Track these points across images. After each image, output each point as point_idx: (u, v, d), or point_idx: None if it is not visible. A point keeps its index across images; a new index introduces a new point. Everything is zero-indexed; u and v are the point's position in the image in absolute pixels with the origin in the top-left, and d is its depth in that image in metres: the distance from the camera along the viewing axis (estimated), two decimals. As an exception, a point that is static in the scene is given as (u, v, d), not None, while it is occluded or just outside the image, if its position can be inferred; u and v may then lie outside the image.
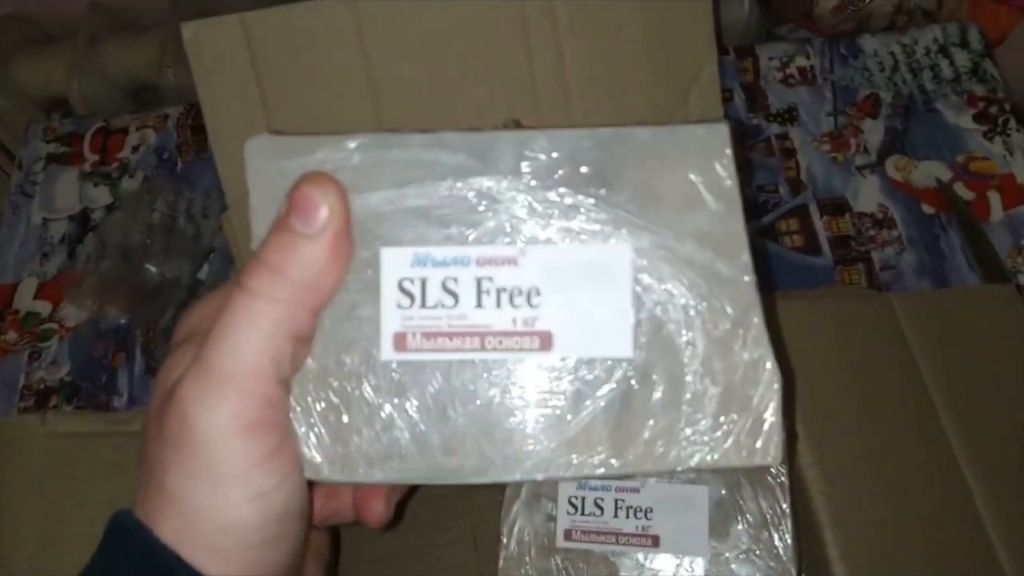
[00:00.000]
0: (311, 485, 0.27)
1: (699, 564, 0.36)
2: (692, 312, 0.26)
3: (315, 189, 0.25)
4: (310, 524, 0.28)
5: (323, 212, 0.25)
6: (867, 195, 0.57)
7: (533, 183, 0.26)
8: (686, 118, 0.42)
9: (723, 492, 0.37)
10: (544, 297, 0.26)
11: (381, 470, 0.26)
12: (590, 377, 0.26)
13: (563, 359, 0.26)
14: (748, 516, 0.37)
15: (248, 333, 0.24)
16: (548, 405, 0.26)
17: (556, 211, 0.26)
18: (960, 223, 0.56)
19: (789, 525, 0.37)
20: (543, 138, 0.26)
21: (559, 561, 0.37)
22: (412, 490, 0.31)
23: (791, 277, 0.55)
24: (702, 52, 0.42)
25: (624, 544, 0.37)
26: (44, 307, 0.60)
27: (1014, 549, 0.38)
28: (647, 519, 0.37)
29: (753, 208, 0.58)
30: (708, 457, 0.26)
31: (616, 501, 0.38)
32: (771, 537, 0.37)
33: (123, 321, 0.58)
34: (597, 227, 0.26)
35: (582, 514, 0.38)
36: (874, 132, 0.59)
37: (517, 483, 0.39)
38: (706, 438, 0.26)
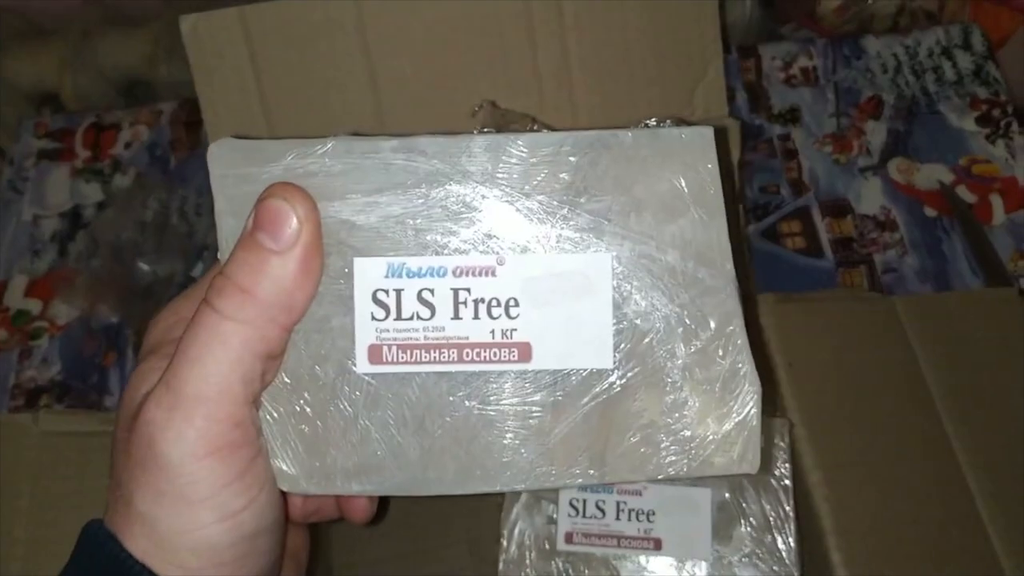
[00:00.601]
0: (285, 497, 0.27)
1: (702, 568, 0.36)
2: (673, 321, 0.26)
3: (283, 202, 0.24)
4: (285, 536, 0.28)
5: (292, 226, 0.24)
6: (869, 197, 0.57)
7: (510, 190, 0.26)
8: (687, 117, 0.42)
9: (726, 495, 0.37)
10: (523, 308, 0.26)
11: (358, 482, 0.26)
12: (569, 388, 0.26)
13: (542, 371, 0.26)
14: (751, 519, 0.36)
15: (215, 356, 0.23)
16: (527, 416, 0.26)
17: (534, 219, 0.26)
18: (962, 226, 0.55)
19: (792, 528, 0.36)
20: (521, 142, 0.26)
21: (559, 564, 0.37)
22: None
23: (793, 279, 0.55)
24: (708, 51, 0.41)
25: (626, 547, 0.37)
26: (35, 305, 0.59)
27: (1017, 555, 0.38)
28: (649, 522, 0.37)
29: (755, 209, 0.58)
30: (688, 466, 0.26)
31: (618, 504, 0.37)
32: (774, 540, 0.36)
33: (114, 320, 0.57)
34: (577, 236, 0.26)
35: (583, 516, 0.37)
36: (877, 134, 0.59)
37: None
38: (686, 447, 0.26)
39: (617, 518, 0.37)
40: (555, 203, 0.26)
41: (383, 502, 0.31)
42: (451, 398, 0.26)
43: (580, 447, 0.26)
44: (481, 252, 0.26)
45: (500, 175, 0.26)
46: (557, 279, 0.26)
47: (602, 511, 0.37)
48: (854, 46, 0.63)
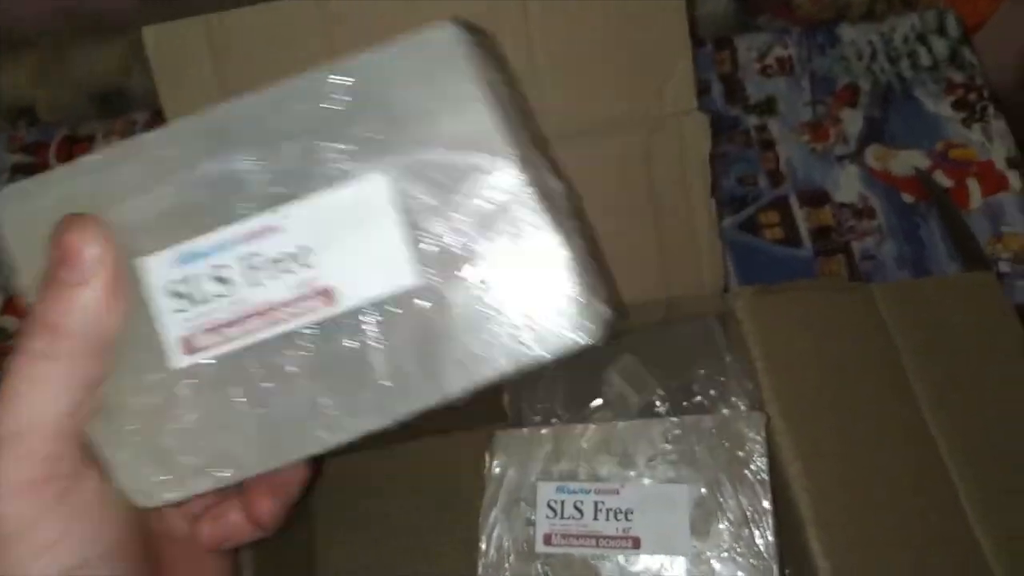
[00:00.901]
0: (137, 517, 0.26)
1: (680, 564, 0.36)
2: (466, 216, 0.25)
3: (75, 235, 0.24)
4: (140, 560, 0.27)
5: (89, 256, 0.24)
6: (847, 185, 0.57)
7: (273, 141, 0.26)
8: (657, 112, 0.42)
9: (703, 491, 0.37)
10: (316, 255, 0.25)
11: (212, 476, 0.26)
12: (383, 316, 0.26)
13: (353, 309, 0.25)
14: (729, 514, 0.36)
15: (30, 395, 0.24)
16: (353, 358, 0.26)
17: (302, 164, 0.25)
18: (939, 211, 0.55)
19: (770, 522, 0.36)
20: (266, 98, 0.26)
21: (539, 567, 0.37)
22: (308, 483, 0.30)
23: (771, 270, 0.55)
24: (676, 46, 0.41)
25: (604, 547, 0.37)
26: (11, 323, 0.59)
27: (998, 540, 0.38)
28: (627, 520, 0.37)
29: (732, 201, 0.58)
30: (527, 353, 0.25)
31: (596, 503, 0.37)
32: (752, 535, 0.36)
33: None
34: (349, 166, 0.25)
35: (561, 518, 0.37)
36: (853, 121, 0.59)
37: (494, 488, 0.38)
38: (518, 337, 0.25)
39: (595, 518, 0.37)
40: (320, 142, 0.26)
41: (292, 506, 0.30)
42: (274, 363, 0.26)
43: (412, 370, 0.26)
44: (261, 212, 0.26)
45: (261, 130, 0.26)
46: (341, 215, 0.25)
47: (580, 511, 0.37)
48: (829, 34, 0.62)
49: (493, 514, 0.38)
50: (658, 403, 0.42)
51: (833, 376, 0.41)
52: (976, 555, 0.38)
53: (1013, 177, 0.56)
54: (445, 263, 0.25)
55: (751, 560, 0.36)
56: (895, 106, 0.59)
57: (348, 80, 0.26)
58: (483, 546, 0.37)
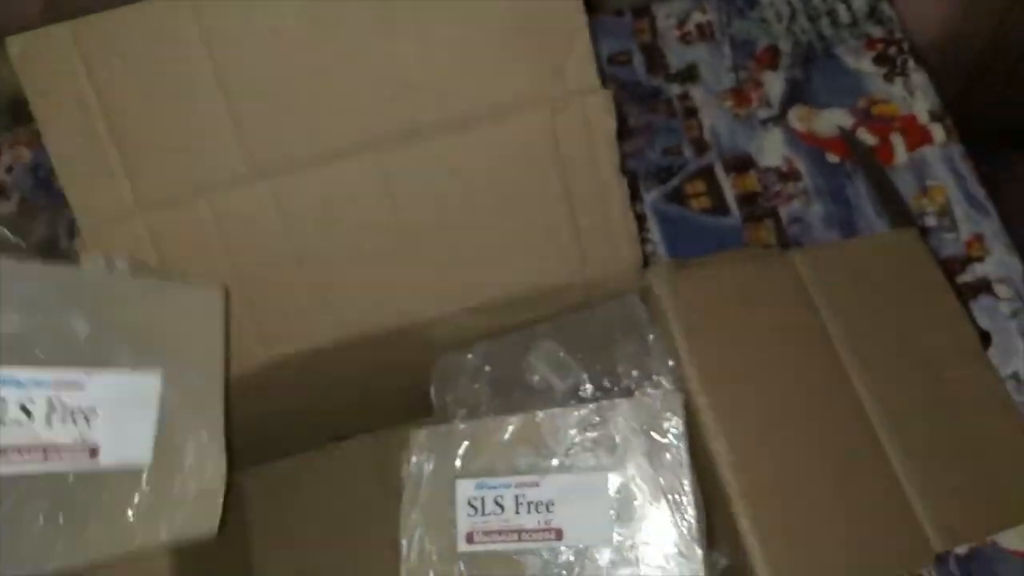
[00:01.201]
0: None
1: (604, 553, 0.35)
2: (176, 414, 0.35)
3: None
4: None
5: None
6: (771, 149, 0.56)
7: (104, 315, 0.34)
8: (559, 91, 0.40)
9: (623, 477, 0.36)
10: (99, 418, 0.33)
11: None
12: (127, 476, 0.34)
13: (107, 466, 0.33)
14: (650, 498, 0.36)
15: None
16: (113, 501, 0.33)
17: (108, 342, 0.34)
18: (864, 170, 0.55)
19: (692, 502, 0.36)
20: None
21: (462, 567, 0.36)
22: None
23: (700, 240, 0.54)
24: (573, 24, 0.40)
25: (527, 540, 0.36)
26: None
27: (927, 498, 0.38)
28: (549, 512, 0.36)
29: (659, 172, 0.57)
30: (171, 528, 0.34)
31: (516, 497, 0.36)
32: (675, 517, 0.36)
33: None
34: (136, 357, 0.34)
35: (483, 514, 0.36)
36: (775, 84, 0.58)
37: (413, 488, 0.37)
38: (177, 512, 0.35)
39: (516, 512, 0.36)
40: (112, 341, 0.34)
41: None
42: (34, 492, 0.31)
43: (159, 520, 0.34)
44: (79, 367, 0.32)
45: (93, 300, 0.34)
46: (124, 392, 0.34)
47: (501, 507, 0.36)
48: (747, -4, 0.61)
49: (414, 516, 0.37)
50: (584, 385, 0.41)
51: (755, 347, 0.40)
52: (906, 514, 0.38)
53: (936, 130, 0.55)
54: (166, 448, 0.35)
55: (675, 542, 0.35)
56: (816, 65, 0.58)
57: (135, 297, 0.36)
58: (405, 549, 0.36)
